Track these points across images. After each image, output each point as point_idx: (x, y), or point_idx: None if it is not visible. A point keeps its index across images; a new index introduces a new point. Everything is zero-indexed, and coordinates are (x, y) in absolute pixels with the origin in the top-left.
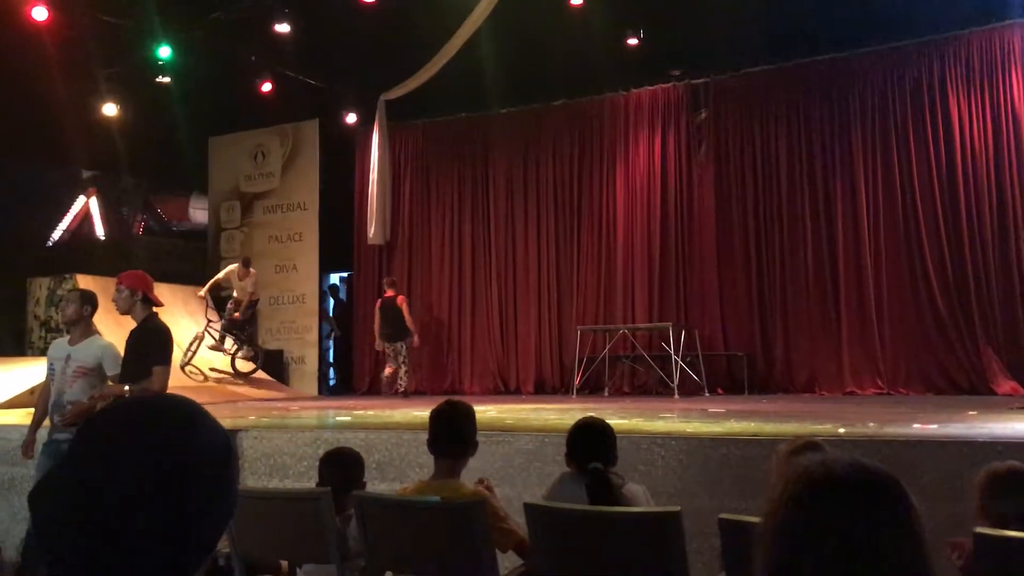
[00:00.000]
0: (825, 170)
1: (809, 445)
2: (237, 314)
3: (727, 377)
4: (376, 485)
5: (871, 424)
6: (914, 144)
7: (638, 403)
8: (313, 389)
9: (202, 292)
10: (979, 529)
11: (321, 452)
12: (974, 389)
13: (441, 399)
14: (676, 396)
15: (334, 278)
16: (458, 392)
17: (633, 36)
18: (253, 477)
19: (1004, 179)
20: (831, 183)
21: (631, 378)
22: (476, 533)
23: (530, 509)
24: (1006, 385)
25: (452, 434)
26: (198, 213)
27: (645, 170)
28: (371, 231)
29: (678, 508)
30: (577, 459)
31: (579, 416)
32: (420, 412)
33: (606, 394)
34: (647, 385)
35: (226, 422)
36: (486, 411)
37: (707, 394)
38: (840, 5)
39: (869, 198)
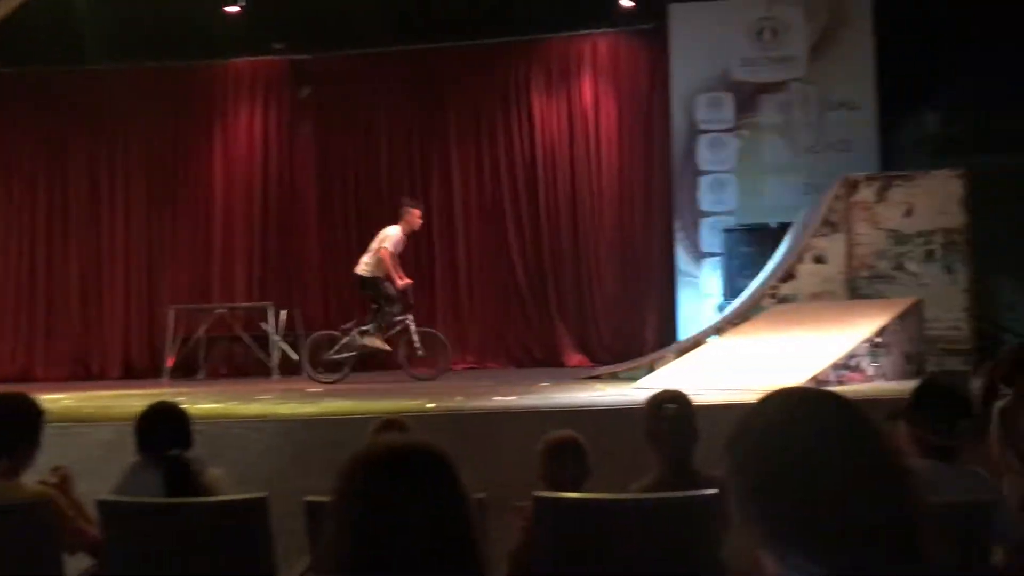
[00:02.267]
0: (423, 155)
1: (389, 424)
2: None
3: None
4: None
5: (458, 398)
6: (502, 136)
7: (235, 385)
8: None
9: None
10: (537, 492)
11: None
12: (549, 361)
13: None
14: (275, 377)
15: None
16: (29, 380)
17: (233, 4)
18: None
19: (578, 171)
20: (428, 167)
21: (229, 359)
22: (40, 536)
23: (101, 505)
24: (575, 358)
25: (7, 432)
26: None
27: (246, 144)
28: None
29: (264, 494)
30: (149, 447)
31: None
32: None
33: (201, 377)
34: (246, 366)
35: None
36: (60, 400)
37: (307, 374)
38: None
39: (462, 184)
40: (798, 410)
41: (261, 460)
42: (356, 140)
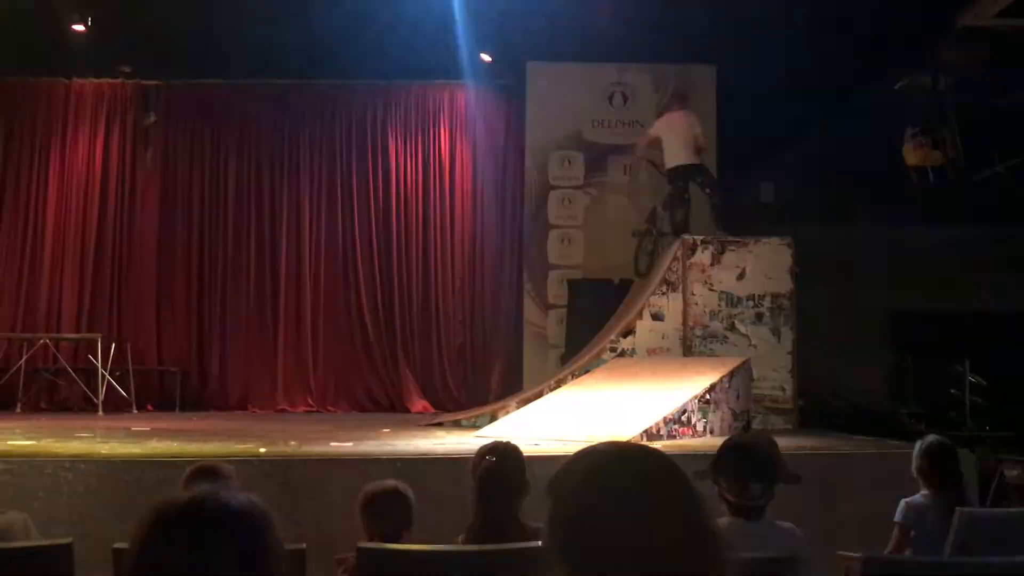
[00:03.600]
0: (273, 192)
1: (202, 471)
2: None
3: (159, 393)
4: None
5: (293, 443)
6: (356, 178)
7: (56, 421)
8: None
9: None
10: (362, 544)
11: None
12: (393, 407)
13: None
14: (100, 413)
15: None
16: None
17: (80, 22)
18: None
19: (431, 219)
20: (278, 206)
21: (50, 393)
22: None
23: None
24: (419, 404)
25: None
26: None
27: (84, 167)
28: None
29: (69, 540)
30: None
31: None
32: None
33: (19, 410)
34: (69, 401)
35: None
36: None
37: (136, 411)
38: (295, 34)
39: (312, 224)
40: (609, 466)
41: (72, 503)
42: (202, 172)
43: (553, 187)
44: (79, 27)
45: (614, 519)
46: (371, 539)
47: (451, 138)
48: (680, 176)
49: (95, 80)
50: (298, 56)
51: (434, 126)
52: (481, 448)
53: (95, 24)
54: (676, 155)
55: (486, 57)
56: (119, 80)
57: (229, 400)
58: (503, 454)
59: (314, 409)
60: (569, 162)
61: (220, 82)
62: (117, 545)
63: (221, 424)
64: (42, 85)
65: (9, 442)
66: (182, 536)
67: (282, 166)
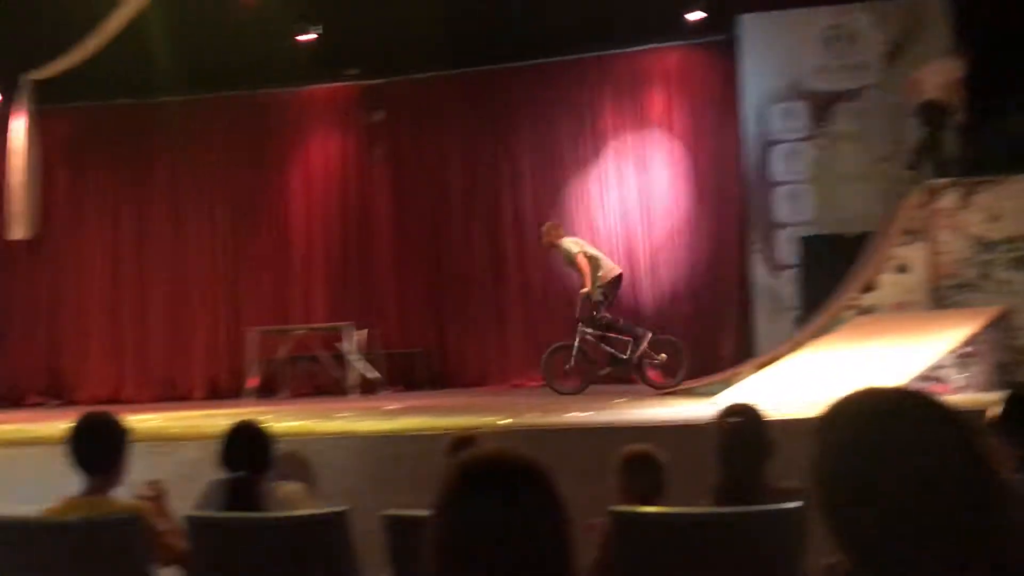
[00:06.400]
0: (494, 174)
1: (464, 440)
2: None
3: (405, 374)
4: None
5: (533, 414)
6: (574, 154)
7: (315, 404)
8: None
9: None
10: (612, 508)
11: None
12: (623, 378)
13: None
14: (355, 395)
15: None
16: (118, 401)
17: (309, 31)
18: None
19: (652, 185)
20: (500, 187)
21: (309, 379)
22: (130, 549)
23: (187, 520)
24: (652, 373)
25: (96, 449)
26: None
27: (322, 169)
28: (13, 224)
29: (345, 508)
30: (229, 465)
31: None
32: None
33: (283, 396)
34: (325, 385)
35: None
36: (150, 420)
37: (386, 391)
38: (503, 20)
39: (533, 201)
40: (885, 414)
41: (338, 477)
42: (428, 162)
43: (776, 141)
44: (309, 37)
45: (889, 474)
46: (625, 501)
47: (666, 102)
48: (930, 110)
49: (325, 85)
50: (507, 40)
51: (648, 92)
52: (724, 409)
53: (323, 32)
54: (932, 90)
55: (695, 15)
56: (346, 83)
57: (467, 377)
58: (746, 415)
59: (544, 384)
60: (792, 114)
61: (438, 73)
62: (389, 512)
63: (463, 400)
64: (277, 95)
65: (281, 423)
66: (492, 486)
67: (503, 147)
